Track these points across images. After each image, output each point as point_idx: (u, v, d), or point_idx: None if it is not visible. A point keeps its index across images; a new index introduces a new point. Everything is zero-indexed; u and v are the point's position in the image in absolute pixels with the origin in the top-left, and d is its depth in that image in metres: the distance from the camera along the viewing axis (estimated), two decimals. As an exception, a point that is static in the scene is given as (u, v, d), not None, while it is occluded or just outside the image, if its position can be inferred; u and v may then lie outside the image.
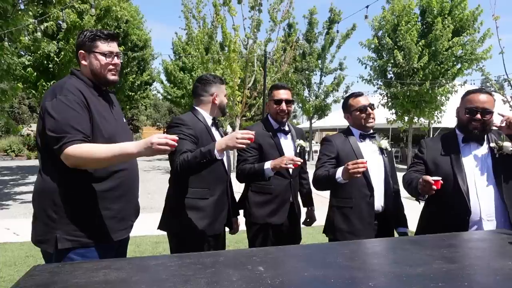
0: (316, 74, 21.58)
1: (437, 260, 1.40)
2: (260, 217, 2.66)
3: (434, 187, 2.03)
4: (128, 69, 19.61)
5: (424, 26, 15.24)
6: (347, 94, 2.90)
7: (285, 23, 17.86)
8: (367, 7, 8.48)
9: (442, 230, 2.00)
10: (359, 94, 2.65)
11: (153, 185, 10.65)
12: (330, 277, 1.23)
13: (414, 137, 18.39)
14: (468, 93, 2.36)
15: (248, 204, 2.72)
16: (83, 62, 1.95)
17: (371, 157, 2.56)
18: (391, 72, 16.22)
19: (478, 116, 2.23)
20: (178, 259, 1.44)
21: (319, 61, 21.16)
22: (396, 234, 2.68)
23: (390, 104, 16.26)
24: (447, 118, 15.59)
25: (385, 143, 2.66)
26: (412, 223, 2.60)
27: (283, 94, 2.75)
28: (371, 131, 2.68)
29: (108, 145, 1.75)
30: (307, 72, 20.96)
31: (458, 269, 1.35)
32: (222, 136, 2.47)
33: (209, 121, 2.46)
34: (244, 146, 2.03)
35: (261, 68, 15.24)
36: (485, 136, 2.33)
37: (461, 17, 14.55)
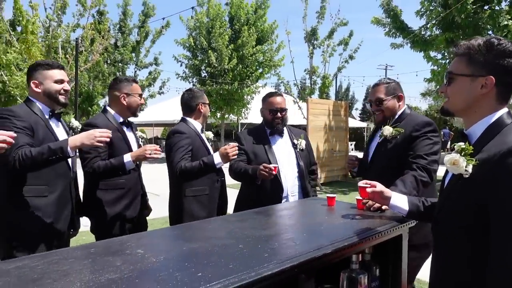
0: (129, 67, 20.77)
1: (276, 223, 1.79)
2: (115, 214, 2.53)
3: (273, 172, 2.52)
4: None
5: (233, 32, 16.89)
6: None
7: (95, 10, 16.45)
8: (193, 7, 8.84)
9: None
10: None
11: None
12: (206, 247, 1.42)
13: (226, 131, 20.22)
14: (268, 96, 2.93)
15: (98, 204, 2.53)
16: None
17: (208, 147, 2.89)
18: (205, 71, 17.30)
19: (279, 114, 2.82)
20: (41, 258, 1.33)
21: (133, 54, 20.46)
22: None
23: (205, 101, 17.34)
24: (252, 114, 17.80)
25: (210, 134, 3.07)
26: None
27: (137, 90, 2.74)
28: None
29: None
30: (120, 64, 19.93)
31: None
32: (67, 129, 2.30)
33: (46, 113, 2.23)
34: (102, 145, 1.99)
35: (67, 56, 13.64)
36: (284, 128, 2.92)
37: (262, 29, 16.84)
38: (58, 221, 2.18)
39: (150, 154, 2.36)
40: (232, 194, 3.01)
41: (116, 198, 2.54)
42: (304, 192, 2.80)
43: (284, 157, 2.82)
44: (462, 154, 1.32)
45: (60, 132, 2.30)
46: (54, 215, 2.16)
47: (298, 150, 2.87)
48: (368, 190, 1.77)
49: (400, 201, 1.75)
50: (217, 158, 2.54)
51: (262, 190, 2.70)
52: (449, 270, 1.41)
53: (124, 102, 2.64)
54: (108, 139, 2.08)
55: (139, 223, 2.71)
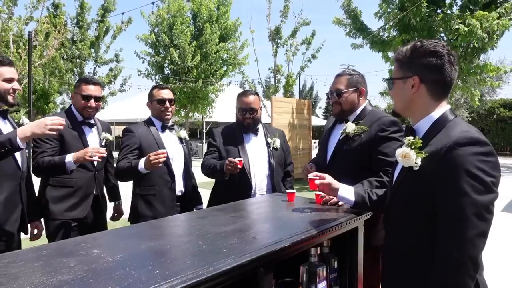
0: (88, 63, 19.96)
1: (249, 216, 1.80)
2: (58, 212, 2.46)
3: (239, 166, 2.50)
4: None
5: (196, 29, 16.68)
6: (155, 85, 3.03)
7: (50, 2, 15.66)
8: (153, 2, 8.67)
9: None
10: (163, 87, 2.86)
11: None
12: (165, 245, 1.40)
13: (190, 130, 19.96)
14: (240, 95, 2.90)
15: (45, 200, 2.46)
16: None
17: (172, 146, 2.81)
18: (168, 69, 16.98)
19: (248, 114, 2.80)
20: (-12, 262, 1.26)
21: (93, 50, 19.66)
22: None
23: (168, 99, 17.03)
24: (217, 113, 17.71)
25: (183, 133, 2.97)
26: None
27: (94, 90, 2.65)
28: (171, 123, 2.92)
29: None
30: (78, 60, 19.10)
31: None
32: (15, 127, 2.18)
33: None
34: (54, 133, 1.90)
35: (19, 51, 12.91)
36: (260, 127, 2.93)
37: (226, 26, 16.78)
38: (5, 225, 2.07)
39: (90, 157, 2.29)
40: (204, 194, 3.01)
41: (62, 196, 2.50)
42: (273, 191, 2.79)
43: (255, 155, 2.81)
44: (412, 147, 1.40)
45: (7, 129, 2.16)
46: (1, 218, 2.05)
47: (271, 149, 2.86)
48: (317, 182, 1.83)
49: (347, 192, 1.83)
50: (141, 162, 2.46)
51: (230, 187, 2.68)
52: (397, 258, 1.49)
53: (73, 101, 2.64)
54: (61, 127, 1.98)
55: (93, 225, 2.63)
